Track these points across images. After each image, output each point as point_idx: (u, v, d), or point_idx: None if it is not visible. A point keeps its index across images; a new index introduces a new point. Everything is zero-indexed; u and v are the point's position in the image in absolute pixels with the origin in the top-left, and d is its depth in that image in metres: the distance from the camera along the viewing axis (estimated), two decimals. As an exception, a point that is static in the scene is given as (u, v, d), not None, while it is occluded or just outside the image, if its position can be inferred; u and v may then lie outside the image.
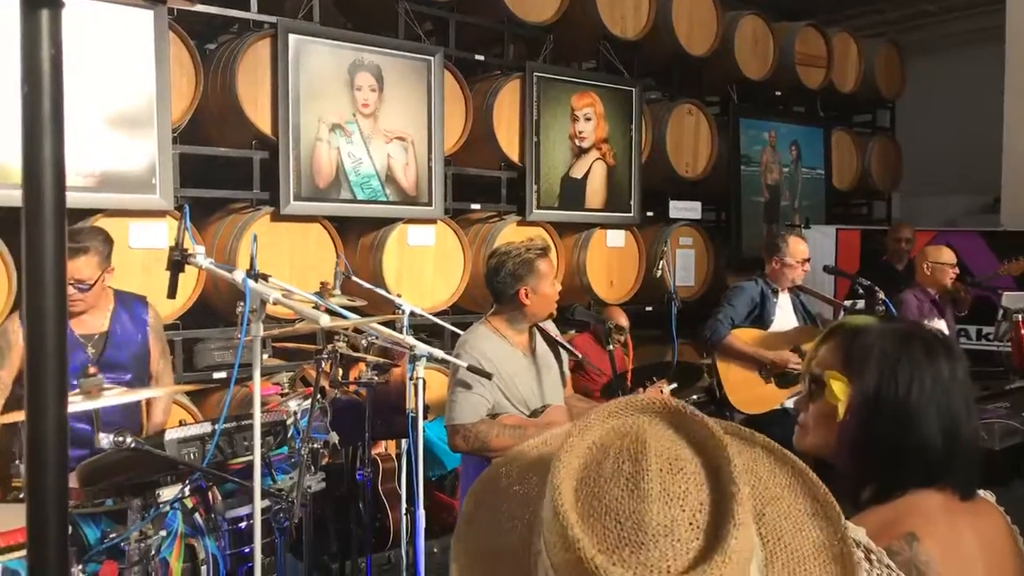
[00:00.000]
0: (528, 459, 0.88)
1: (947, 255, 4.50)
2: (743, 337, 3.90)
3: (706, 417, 0.75)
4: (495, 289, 2.73)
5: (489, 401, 2.63)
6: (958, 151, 8.34)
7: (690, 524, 0.68)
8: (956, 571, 1.12)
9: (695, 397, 4.80)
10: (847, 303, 4.61)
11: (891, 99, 7.96)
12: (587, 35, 5.76)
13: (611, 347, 3.05)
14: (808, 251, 4.03)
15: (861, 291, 4.15)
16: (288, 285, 2.69)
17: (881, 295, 4.00)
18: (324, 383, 3.11)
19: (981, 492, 1.27)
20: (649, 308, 5.94)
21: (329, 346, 3.13)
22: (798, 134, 7.03)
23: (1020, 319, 4.40)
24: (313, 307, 2.76)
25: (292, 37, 4.24)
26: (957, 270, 4.52)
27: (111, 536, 2.13)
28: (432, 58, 4.76)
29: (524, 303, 2.69)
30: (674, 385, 2.96)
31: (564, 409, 2.83)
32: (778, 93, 7.03)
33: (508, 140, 5.20)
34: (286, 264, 4.20)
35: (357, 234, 4.75)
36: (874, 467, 1.21)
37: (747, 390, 3.90)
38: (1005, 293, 4.68)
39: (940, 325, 4.37)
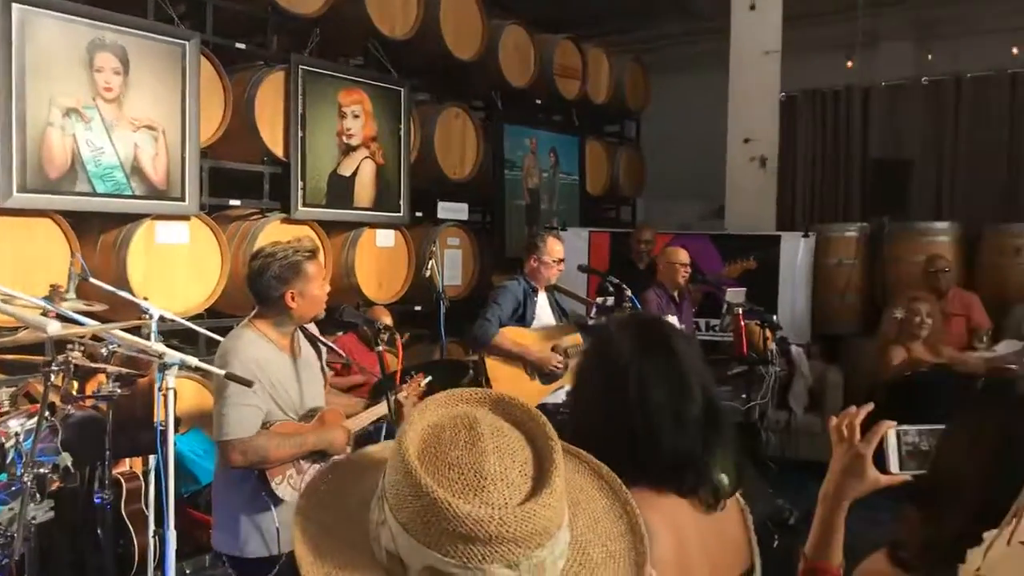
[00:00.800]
0: (351, 464, 1.01)
1: (681, 256, 5.03)
2: (511, 336, 4.06)
3: (520, 399, 0.90)
4: (259, 291, 2.61)
5: (262, 410, 2.52)
6: (691, 162, 9.32)
7: (520, 472, 0.82)
8: (675, 544, 1.25)
9: (461, 394, 4.93)
10: (598, 300, 4.98)
11: (637, 112, 8.69)
12: (355, 31, 5.68)
13: (379, 347, 3.05)
14: (563, 251, 4.28)
15: (611, 289, 4.50)
16: (8, 289, 2.39)
17: (628, 292, 4.37)
18: (55, 398, 2.79)
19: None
20: (418, 308, 6.00)
21: (61, 356, 2.81)
22: (556, 141, 7.47)
23: (740, 312, 5.03)
24: (41, 313, 2.47)
25: (16, 7, 3.74)
26: (690, 269, 5.07)
27: None
28: (186, 43, 4.44)
29: (291, 306, 2.59)
30: (429, 378, 3.07)
31: (335, 411, 2.79)
32: (538, 101, 7.42)
33: (271, 134, 4.99)
34: (8, 265, 3.71)
35: (98, 231, 4.30)
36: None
37: (514, 387, 4.06)
38: (728, 289, 5.32)
39: (674, 320, 4.87)
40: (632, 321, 1.43)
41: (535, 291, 4.19)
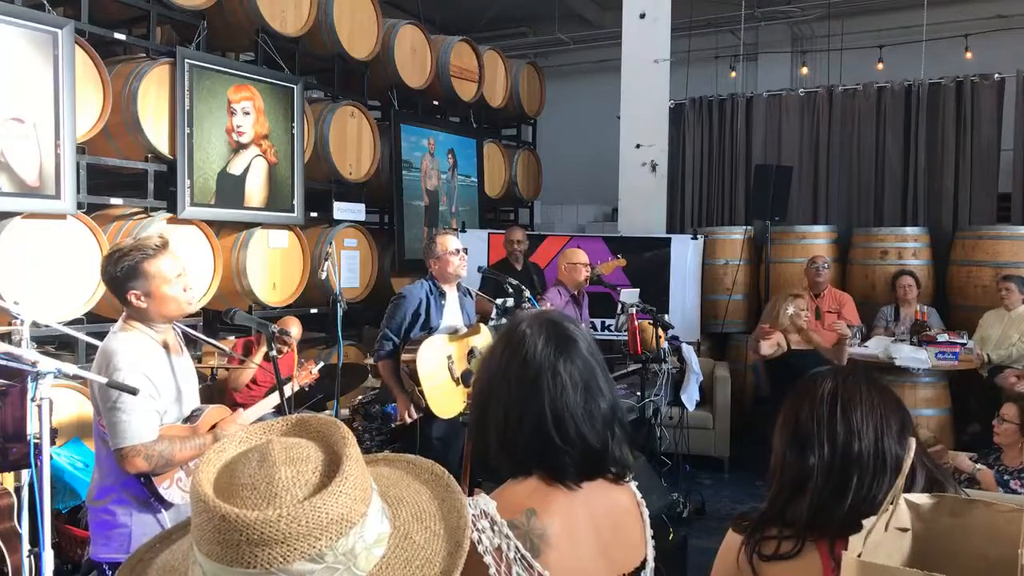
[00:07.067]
0: (175, 529, 1.03)
1: (581, 256, 5.16)
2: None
3: (324, 417, 0.92)
4: (112, 292, 2.52)
5: (160, 411, 2.42)
6: (586, 166, 9.54)
7: (314, 471, 0.84)
8: (569, 540, 1.29)
9: (360, 398, 4.85)
10: (499, 301, 5.01)
11: (533, 116, 8.81)
12: (244, 26, 5.50)
13: (274, 353, 2.96)
14: (458, 242, 4.22)
15: (510, 290, 4.54)
16: None
17: (527, 293, 4.41)
18: (-87, 412, 2.56)
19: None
20: (315, 310, 5.87)
21: (-81, 366, 2.58)
22: (454, 143, 7.46)
23: (634, 312, 5.17)
24: None
25: None
26: (589, 269, 5.19)
27: None
28: (59, 31, 4.17)
29: (139, 306, 2.45)
30: (321, 363, 3.08)
31: (220, 408, 2.70)
32: (436, 103, 7.38)
33: (156, 130, 4.76)
34: None
35: (-41, 230, 3.98)
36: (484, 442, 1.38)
37: (442, 396, 3.95)
38: (622, 290, 5.46)
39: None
40: (543, 319, 1.42)
41: (443, 293, 4.12)
